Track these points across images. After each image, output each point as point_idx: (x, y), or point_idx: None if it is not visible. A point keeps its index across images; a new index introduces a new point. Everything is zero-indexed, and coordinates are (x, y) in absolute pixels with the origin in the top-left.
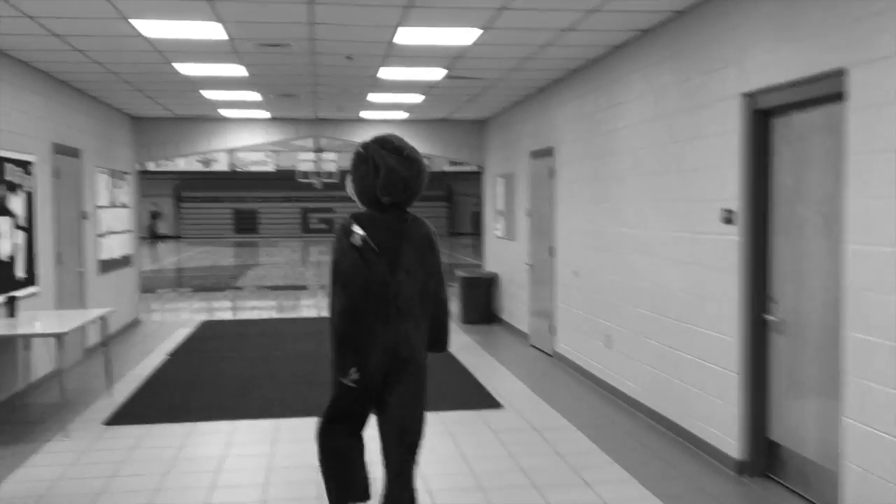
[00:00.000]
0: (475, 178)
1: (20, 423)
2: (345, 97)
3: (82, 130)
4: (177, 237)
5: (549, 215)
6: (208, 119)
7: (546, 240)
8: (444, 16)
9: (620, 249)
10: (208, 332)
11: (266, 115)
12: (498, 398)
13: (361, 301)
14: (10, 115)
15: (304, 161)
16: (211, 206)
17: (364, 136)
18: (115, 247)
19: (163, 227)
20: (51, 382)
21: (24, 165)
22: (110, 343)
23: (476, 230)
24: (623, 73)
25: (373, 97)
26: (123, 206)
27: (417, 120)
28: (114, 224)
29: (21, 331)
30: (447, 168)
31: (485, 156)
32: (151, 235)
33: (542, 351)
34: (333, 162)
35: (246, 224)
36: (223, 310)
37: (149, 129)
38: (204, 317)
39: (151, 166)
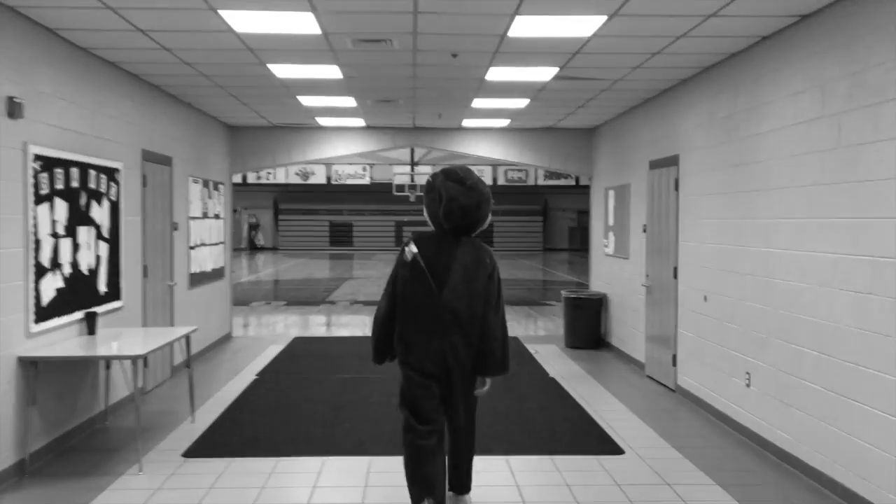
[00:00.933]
0: (572, 191)
1: (96, 450)
2: (446, 103)
3: (174, 138)
4: (274, 249)
5: (672, 232)
6: (304, 128)
7: (667, 259)
8: (566, 1)
9: (767, 273)
10: (299, 350)
11: (362, 123)
12: (618, 440)
13: (398, 310)
14: (96, 119)
15: (399, 174)
16: (308, 219)
17: (463, 145)
18: (206, 259)
19: (262, 239)
20: (133, 405)
21: (109, 172)
22: (199, 361)
23: (572, 246)
24: (771, 67)
25: (476, 103)
26: (216, 217)
27: (520, 129)
28: (206, 236)
29: (96, 351)
30: (542, 182)
31: (593, 167)
32: (251, 247)
33: (662, 384)
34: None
35: (341, 237)
36: (315, 325)
37: (244, 138)
38: (296, 332)
39: (251, 178)
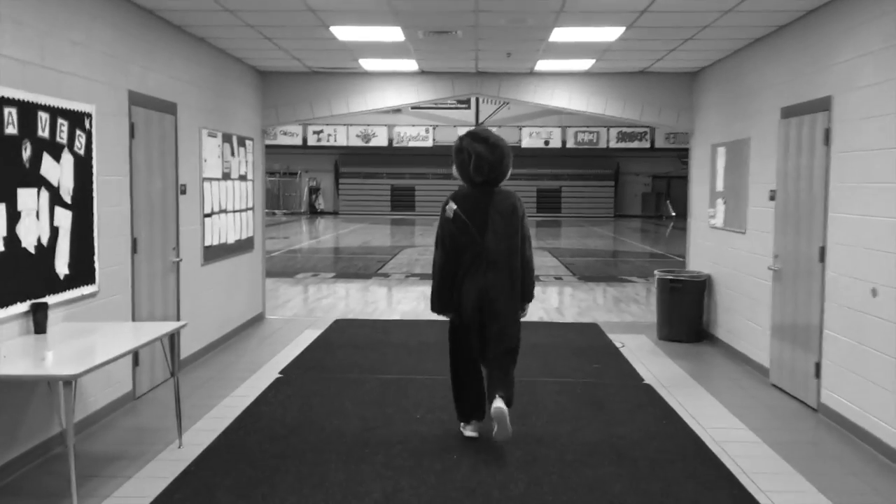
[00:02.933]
0: (646, 155)
1: (36, 494)
2: (517, 35)
3: (181, 80)
4: (335, 213)
5: (817, 200)
6: (347, 73)
7: (808, 235)
8: None
9: None
10: (338, 337)
11: (415, 67)
12: (763, 501)
13: (453, 259)
14: (49, 45)
15: None
16: (369, 182)
17: (536, 93)
18: (228, 229)
19: (322, 203)
20: (116, 416)
21: (74, 117)
22: (216, 351)
23: (645, 212)
24: None
25: (556, 34)
26: (243, 178)
27: (604, 73)
28: (228, 201)
29: (6, 370)
30: (614, 144)
31: (695, 119)
32: (311, 211)
33: (795, 398)
34: None
35: (403, 201)
36: (362, 303)
37: (277, 85)
38: (339, 312)
39: (312, 140)
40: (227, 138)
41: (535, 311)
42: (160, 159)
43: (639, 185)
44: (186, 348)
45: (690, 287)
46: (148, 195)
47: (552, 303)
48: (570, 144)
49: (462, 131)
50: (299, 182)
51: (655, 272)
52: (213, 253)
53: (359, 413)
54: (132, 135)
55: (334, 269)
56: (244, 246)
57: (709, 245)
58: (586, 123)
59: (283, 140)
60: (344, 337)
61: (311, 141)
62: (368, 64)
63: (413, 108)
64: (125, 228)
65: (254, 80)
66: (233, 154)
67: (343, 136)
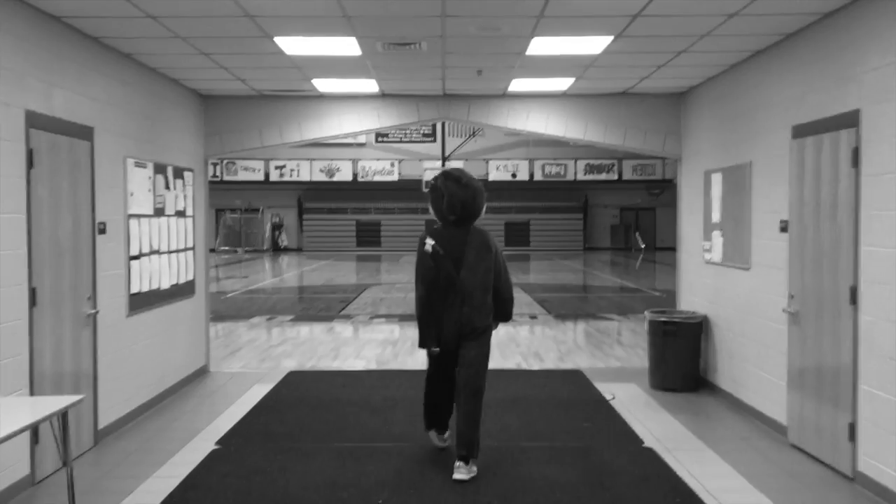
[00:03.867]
0: (614, 186)
1: None
2: (490, 48)
3: (100, 100)
4: (298, 250)
5: (845, 231)
6: (300, 96)
7: (834, 273)
8: None
9: None
10: (291, 394)
11: (375, 88)
12: None
13: (433, 293)
14: None
15: (429, 170)
16: (334, 218)
17: (509, 118)
18: (162, 272)
19: (285, 240)
20: None
21: None
22: (147, 416)
23: (615, 245)
24: None
25: (534, 45)
26: (181, 214)
27: (583, 95)
28: (161, 240)
29: None
30: (582, 176)
31: (684, 143)
32: (274, 248)
33: (823, 462)
34: None
35: (368, 237)
36: (321, 351)
37: (221, 110)
38: (294, 363)
39: (274, 176)
40: (160, 169)
41: (513, 357)
42: (71, 193)
43: (607, 217)
44: (108, 415)
45: (686, 330)
46: (53, 236)
47: (529, 346)
48: (537, 177)
49: (428, 164)
50: (261, 219)
51: (646, 313)
52: (142, 300)
53: (306, 499)
54: (31, 163)
55: (294, 311)
56: (183, 291)
57: (704, 282)
58: (554, 156)
59: (244, 175)
60: (297, 394)
61: (274, 176)
62: (323, 85)
63: (377, 140)
64: (20, 277)
65: (194, 104)
66: (167, 187)
67: (306, 171)
